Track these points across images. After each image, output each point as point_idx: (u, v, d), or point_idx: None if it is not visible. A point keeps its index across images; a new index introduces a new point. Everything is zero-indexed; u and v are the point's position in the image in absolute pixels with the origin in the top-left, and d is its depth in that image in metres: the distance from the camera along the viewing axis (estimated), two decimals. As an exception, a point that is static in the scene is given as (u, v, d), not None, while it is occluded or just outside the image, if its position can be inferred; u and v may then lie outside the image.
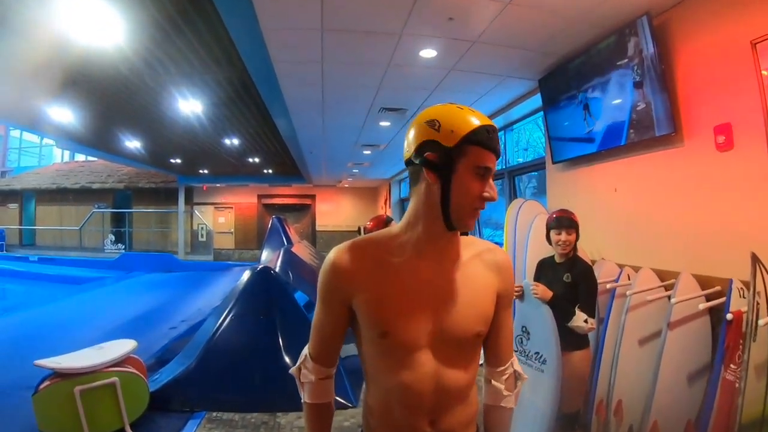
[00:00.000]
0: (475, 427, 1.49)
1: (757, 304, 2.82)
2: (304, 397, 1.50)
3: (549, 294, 3.13)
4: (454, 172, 1.28)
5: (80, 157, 23.73)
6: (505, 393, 1.54)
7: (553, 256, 3.40)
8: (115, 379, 3.92)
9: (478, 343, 1.45)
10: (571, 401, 3.21)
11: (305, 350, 1.52)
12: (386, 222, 3.88)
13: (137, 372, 4.17)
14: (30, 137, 26.10)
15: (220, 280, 12.48)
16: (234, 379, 4.77)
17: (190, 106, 8.05)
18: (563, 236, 3.24)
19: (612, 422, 3.71)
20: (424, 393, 1.35)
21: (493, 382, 1.54)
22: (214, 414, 4.46)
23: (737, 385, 2.80)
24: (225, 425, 4.26)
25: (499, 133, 8.30)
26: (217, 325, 5.09)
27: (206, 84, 7.06)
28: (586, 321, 3.07)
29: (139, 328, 6.48)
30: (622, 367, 3.67)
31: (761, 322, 2.70)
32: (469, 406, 1.44)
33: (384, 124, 8.36)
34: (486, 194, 1.30)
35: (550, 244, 3.35)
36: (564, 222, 3.26)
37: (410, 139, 1.34)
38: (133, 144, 11.81)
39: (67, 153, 26.05)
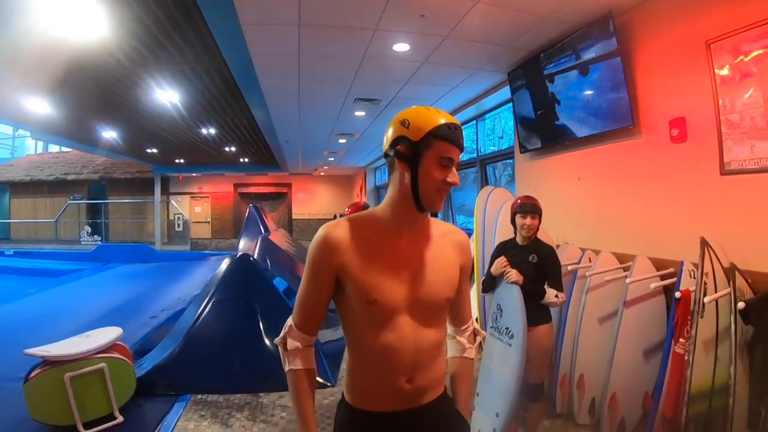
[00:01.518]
0: (443, 386, 1.71)
1: (705, 283, 3.02)
2: (290, 364, 1.63)
3: (521, 278, 3.32)
4: (420, 162, 1.51)
5: (54, 148, 23.21)
6: (468, 345, 1.84)
7: (513, 239, 3.58)
8: (103, 365, 3.96)
9: (446, 306, 1.66)
10: (536, 372, 3.39)
11: (289, 321, 1.66)
12: (363, 208, 3.97)
13: (124, 358, 4.22)
14: (3, 128, 25.52)
15: (198, 270, 12.45)
16: (217, 363, 4.85)
17: (167, 95, 8.04)
18: (528, 221, 3.42)
19: (575, 395, 3.93)
20: (404, 352, 1.54)
21: (457, 337, 1.83)
22: (199, 397, 4.55)
23: (686, 358, 3.01)
24: (210, 406, 4.37)
25: (471, 123, 8.48)
26: (199, 311, 5.18)
27: (184, 74, 7.07)
28: (557, 296, 3.29)
29: (120, 318, 6.42)
30: (583, 344, 3.91)
31: (706, 299, 2.91)
32: (439, 365, 1.65)
33: (359, 114, 8.47)
34: (449, 179, 1.53)
35: (515, 227, 3.53)
36: (528, 208, 3.44)
37: (387, 136, 1.57)
38: (109, 134, 11.69)
39: (40, 144, 25.49)
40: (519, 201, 3.51)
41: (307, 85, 6.62)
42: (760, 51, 2.98)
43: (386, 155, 1.59)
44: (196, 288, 8.31)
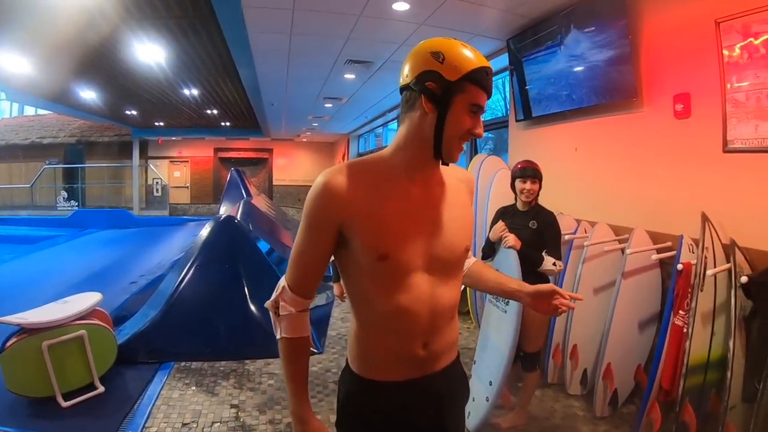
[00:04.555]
0: (456, 349, 1.60)
1: (705, 257, 3.08)
2: (283, 332, 1.47)
3: (519, 243, 3.32)
4: (451, 106, 1.33)
5: (30, 111, 22.60)
6: (472, 259, 1.77)
7: (514, 204, 3.57)
8: (82, 332, 3.85)
9: (465, 258, 1.55)
10: (533, 341, 3.42)
11: (282, 282, 1.47)
12: None
13: (104, 324, 4.13)
14: (-25, 91, 24.80)
15: (176, 236, 12.40)
16: (201, 329, 4.81)
17: (151, 53, 7.82)
18: (528, 185, 3.40)
19: (568, 365, 4.00)
20: (421, 314, 1.40)
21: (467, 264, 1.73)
22: (183, 364, 4.51)
23: (685, 330, 3.05)
24: (194, 374, 4.33)
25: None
26: (182, 275, 5.10)
27: (169, 30, 6.88)
28: (554, 264, 3.29)
29: (98, 284, 6.18)
30: (577, 314, 3.95)
31: (709, 272, 2.95)
32: (454, 327, 1.54)
33: (349, 76, 8.36)
34: (477, 130, 1.38)
35: (515, 192, 3.51)
36: (529, 172, 3.42)
37: (411, 65, 1.37)
38: (87, 94, 11.39)
39: (15, 107, 24.71)
40: (519, 165, 3.48)
41: (299, 42, 6.46)
42: (770, 34, 3.00)
43: (406, 88, 1.39)
44: (175, 254, 8.26)
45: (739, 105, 3.24)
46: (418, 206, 1.42)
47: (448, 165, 1.47)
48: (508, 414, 3.59)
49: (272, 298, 1.48)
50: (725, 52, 3.27)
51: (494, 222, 3.57)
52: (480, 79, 1.34)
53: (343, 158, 20.52)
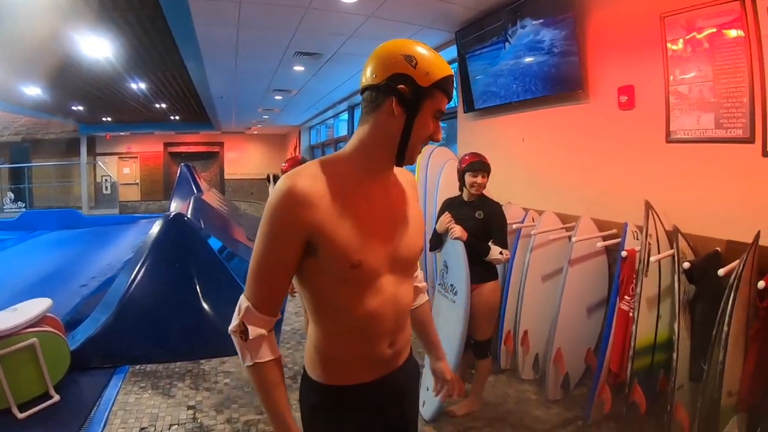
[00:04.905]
0: (410, 342, 1.60)
1: (649, 244, 3.15)
2: (256, 357, 1.32)
3: (465, 234, 3.33)
4: (419, 110, 1.31)
5: (-31, 110, 21.72)
6: (422, 285, 1.75)
7: (460, 195, 3.56)
8: (33, 340, 3.69)
9: (419, 257, 1.55)
10: (483, 329, 3.44)
11: (244, 302, 1.34)
12: (301, 162, 3.85)
13: (56, 331, 3.97)
14: None
15: (128, 234, 11.96)
16: (154, 330, 4.69)
17: (96, 46, 7.53)
18: (479, 179, 3.39)
19: (519, 351, 4.05)
20: (388, 316, 1.40)
21: (418, 284, 1.70)
22: (138, 367, 4.39)
23: (631, 314, 3.12)
24: (150, 377, 4.22)
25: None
26: (132, 276, 4.94)
27: (114, 21, 6.62)
28: (501, 253, 3.30)
29: (48, 289, 6.01)
30: (527, 301, 4.00)
31: (652, 258, 3.03)
32: (409, 323, 1.56)
33: (298, 68, 8.22)
34: (437, 135, 1.37)
35: (462, 184, 3.49)
36: (478, 165, 3.40)
37: (380, 65, 1.32)
38: (32, 91, 10.94)
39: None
40: (469, 158, 3.46)
41: (247, 34, 6.30)
42: (713, 29, 3.04)
43: (372, 88, 1.33)
44: (127, 253, 8.00)
45: (682, 97, 3.31)
46: (381, 208, 1.40)
47: (400, 167, 1.45)
48: (463, 401, 3.60)
49: (235, 322, 1.34)
50: (669, 46, 3.34)
51: (441, 213, 3.56)
52: (447, 86, 1.34)
53: (295, 150, 20.33)
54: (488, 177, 3.48)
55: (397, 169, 1.50)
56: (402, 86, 1.28)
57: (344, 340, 1.40)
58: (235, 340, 1.34)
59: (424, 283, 1.77)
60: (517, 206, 4.74)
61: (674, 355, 2.87)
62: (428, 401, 3.43)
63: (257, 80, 9.51)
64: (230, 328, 1.35)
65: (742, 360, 2.65)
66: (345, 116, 13.06)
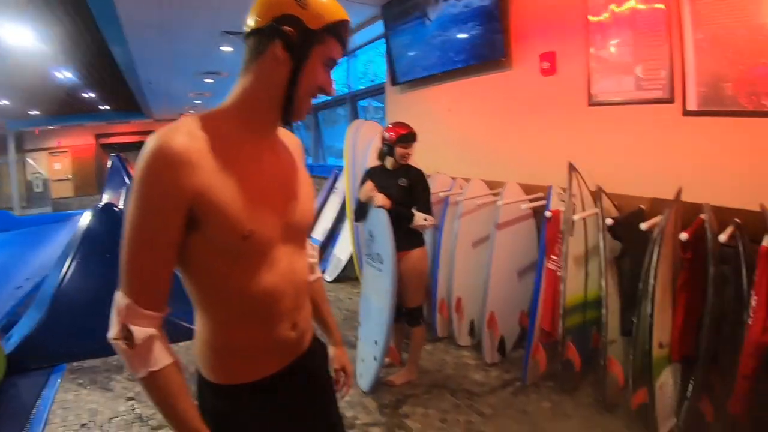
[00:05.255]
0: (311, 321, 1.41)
1: (573, 204, 3.15)
2: (147, 365, 1.03)
3: (389, 202, 3.24)
4: (308, 57, 1.12)
5: None
6: (315, 261, 1.52)
7: (382, 164, 3.46)
8: None
9: (313, 224, 1.38)
10: (413, 296, 3.38)
11: (122, 300, 1.04)
12: None
13: None
14: None
15: (63, 232, 11.19)
16: (89, 325, 4.34)
17: (17, 35, 7.10)
18: (410, 150, 3.32)
19: (454, 318, 4.01)
20: (287, 292, 1.19)
21: (309, 259, 1.42)
22: (75, 364, 4.17)
23: (559, 273, 3.12)
24: (87, 372, 4.02)
25: (343, 60, 8.43)
26: (63, 272, 4.67)
27: (36, 7, 6.23)
28: (426, 219, 3.22)
29: None
30: (458, 268, 3.96)
31: (575, 217, 3.02)
32: (308, 301, 1.35)
33: (226, 49, 7.93)
34: (329, 87, 1.19)
35: (391, 155, 3.37)
36: (411, 137, 3.33)
37: (264, 7, 1.12)
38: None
39: None
40: (400, 130, 3.34)
41: (170, 14, 6.00)
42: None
43: (255, 33, 1.13)
44: (61, 251, 7.69)
45: (603, 61, 3.36)
46: (270, 171, 1.19)
47: (287, 126, 1.27)
48: (401, 370, 3.54)
49: (114, 327, 1.04)
50: (590, 16, 3.37)
51: (363, 182, 3.46)
52: (341, 31, 1.16)
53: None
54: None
55: (282, 132, 1.31)
56: (288, 28, 1.09)
57: (240, 327, 1.16)
58: (119, 349, 1.04)
59: (315, 259, 1.52)
60: (445, 175, 4.69)
61: (603, 311, 2.89)
62: (365, 373, 3.35)
63: (185, 63, 9.17)
64: (110, 335, 1.05)
65: (672, 312, 2.68)
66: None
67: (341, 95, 8.43)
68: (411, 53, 5.23)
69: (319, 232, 6.77)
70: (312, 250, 1.48)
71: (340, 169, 6.34)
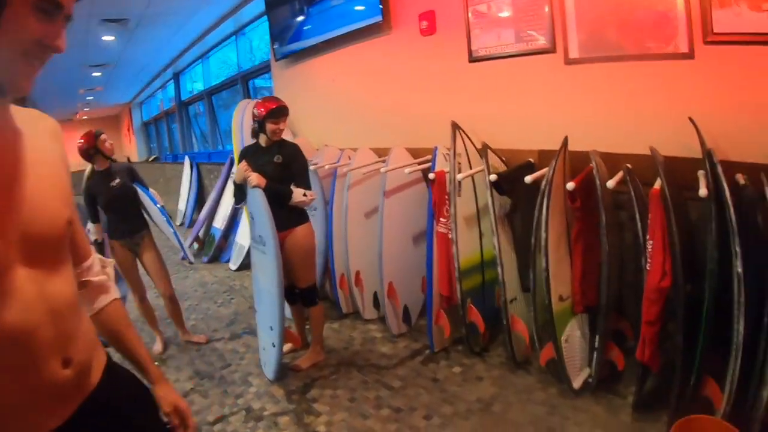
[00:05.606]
0: (103, 348, 1.08)
1: (459, 163, 3.02)
2: None
3: (264, 181, 3.03)
4: (6, 4, 0.73)
5: None
6: (108, 283, 1.19)
7: (256, 142, 3.24)
8: None
9: (68, 234, 0.97)
10: (304, 275, 3.20)
11: None
12: (96, 136, 3.52)
13: None
14: None
15: None
16: None
17: None
18: (281, 125, 3.09)
19: (356, 293, 3.82)
20: (41, 326, 0.84)
21: (92, 279, 1.14)
22: None
23: (450, 236, 2.97)
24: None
25: (230, 39, 7.84)
26: None
27: None
28: (305, 194, 3.03)
29: None
30: (353, 241, 3.76)
31: (459, 176, 2.89)
32: (88, 321, 1.04)
33: (108, 38, 7.36)
34: (54, 41, 0.81)
35: (263, 132, 3.13)
36: (284, 111, 3.11)
37: None
38: None
39: None
40: (269, 104, 3.08)
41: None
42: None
43: None
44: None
45: (482, 16, 3.27)
46: None
47: (22, 104, 0.92)
48: (306, 354, 3.35)
49: None
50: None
51: (239, 163, 3.24)
52: None
53: (128, 131, 18.83)
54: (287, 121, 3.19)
55: (27, 114, 0.94)
56: None
57: None
58: None
59: (104, 276, 1.18)
60: (333, 147, 4.46)
61: (499, 270, 2.79)
62: (267, 361, 3.15)
63: (68, 56, 8.23)
64: None
65: (569, 264, 2.63)
66: (172, 84, 11.90)
67: (232, 75, 8.02)
68: (291, 25, 4.98)
69: (219, 219, 6.47)
70: (99, 266, 1.17)
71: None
